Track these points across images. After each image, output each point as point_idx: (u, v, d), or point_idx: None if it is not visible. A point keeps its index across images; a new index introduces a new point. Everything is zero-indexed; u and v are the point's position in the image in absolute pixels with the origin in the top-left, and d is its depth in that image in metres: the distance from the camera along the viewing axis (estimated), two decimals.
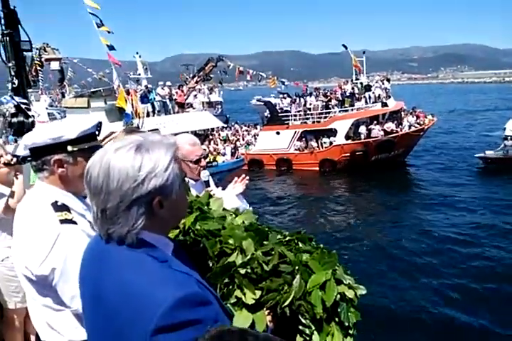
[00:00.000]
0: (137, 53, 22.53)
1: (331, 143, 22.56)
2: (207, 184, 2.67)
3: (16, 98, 5.39)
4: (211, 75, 24.54)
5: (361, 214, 16.28)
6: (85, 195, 1.21)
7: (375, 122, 22.76)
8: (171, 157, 1.12)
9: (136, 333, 0.99)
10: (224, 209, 1.91)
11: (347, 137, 22.49)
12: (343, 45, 24.27)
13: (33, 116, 4.72)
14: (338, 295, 1.57)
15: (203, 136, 21.03)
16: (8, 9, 5.00)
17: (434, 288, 9.69)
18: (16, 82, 5.41)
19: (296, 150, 22.98)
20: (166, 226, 1.22)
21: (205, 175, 2.67)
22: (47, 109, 18.79)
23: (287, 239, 1.76)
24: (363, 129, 22.60)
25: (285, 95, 24.41)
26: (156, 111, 19.70)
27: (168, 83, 21.38)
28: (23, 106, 5.39)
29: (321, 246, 1.81)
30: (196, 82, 23.35)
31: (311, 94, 24.18)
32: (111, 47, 15.13)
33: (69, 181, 1.72)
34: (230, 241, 1.58)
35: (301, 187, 20.78)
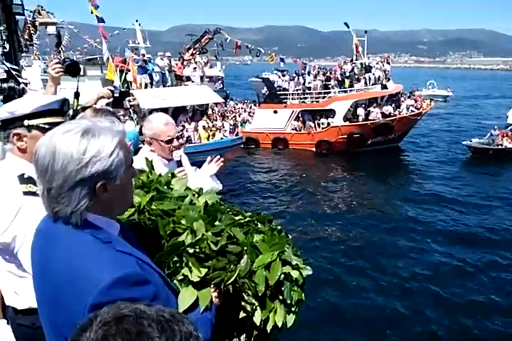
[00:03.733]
0: (137, 21, 21.99)
1: (328, 124, 22.49)
2: (179, 164, 2.73)
3: (7, 63, 5.34)
4: (207, 48, 23.95)
5: (351, 197, 16.47)
6: None
7: (374, 104, 22.67)
8: (117, 143, 1.17)
9: (77, 308, 1.07)
10: (187, 188, 1.99)
11: (345, 118, 22.42)
12: (345, 24, 23.78)
13: (25, 83, 4.68)
14: (283, 275, 1.68)
15: (201, 111, 20.84)
16: None
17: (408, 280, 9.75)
18: (7, 46, 5.33)
19: (293, 129, 22.88)
20: (112, 209, 1.26)
21: (177, 154, 2.72)
22: (41, 75, 18.54)
23: (247, 219, 1.86)
24: (361, 111, 22.54)
25: (285, 72, 24.11)
26: (154, 83, 19.44)
27: (168, 54, 21.00)
28: (14, 72, 5.35)
29: (278, 227, 1.92)
30: (192, 55, 22.85)
31: (309, 73, 23.91)
32: (100, 20, 14.85)
33: (31, 154, 1.79)
34: (183, 222, 1.65)
35: (295, 168, 20.83)
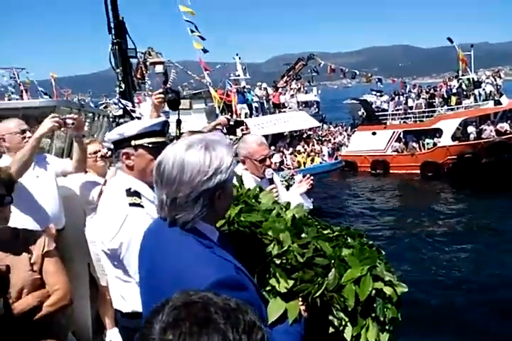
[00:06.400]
0: (237, 55, 23.40)
1: (434, 144, 21.16)
2: (271, 181, 2.80)
3: (123, 101, 6.04)
4: (302, 74, 24.44)
5: (461, 223, 14.84)
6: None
7: (488, 122, 20.83)
8: (232, 156, 1.30)
9: None
10: (275, 202, 2.04)
11: (453, 138, 20.91)
12: (449, 39, 22.54)
13: (138, 117, 5.24)
14: (374, 291, 1.61)
15: (298, 136, 21.17)
16: (118, 20, 5.54)
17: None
18: (123, 86, 5.98)
19: (394, 151, 21.93)
20: (217, 216, 1.40)
21: (269, 173, 2.81)
22: None
23: (336, 234, 1.84)
24: (472, 129, 20.85)
25: (383, 93, 23.48)
26: (253, 112, 20.33)
27: (264, 85, 21.92)
28: (129, 109, 6.03)
29: (370, 242, 1.86)
30: (285, 82, 23.49)
31: (410, 92, 22.94)
32: (205, 51, 16.20)
33: (138, 171, 2.01)
34: (269, 233, 1.70)
35: (397, 191, 19.75)
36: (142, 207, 1.90)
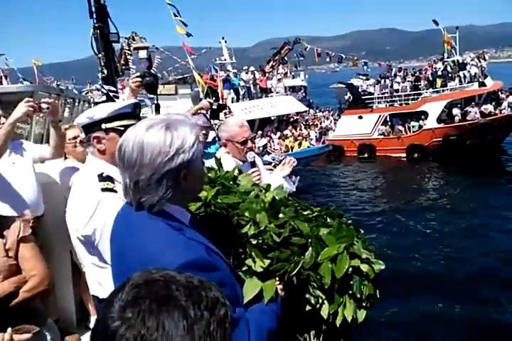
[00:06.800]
0: (223, 38, 23.04)
1: (420, 126, 21.28)
2: (252, 164, 2.77)
3: (105, 86, 5.91)
4: (289, 58, 24.32)
5: (447, 205, 15.00)
6: None
7: (472, 104, 20.98)
8: (196, 135, 1.25)
9: None
10: (254, 184, 2.03)
11: (439, 120, 21.04)
12: (434, 21, 22.48)
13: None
14: (351, 269, 1.62)
15: (286, 121, 21.10)
16: (99, 4, 5.37)
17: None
18: (106, 71, 5.84)
19: (380, 135, 21.99)
20: (185, 197, 1.36)
21: (251, 156, 2.77)
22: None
23: (315, 214, 1.84)
24: (457, 111, 21.00)
25: (368, 76, 23.43)
26: (240, 97, 20.14)
27: (252, 68, 21.68)
28: (112, 94, 5.91)
29: (348, 222, 1.86)
30: (272, 67, 23.32)
31: (395, 75, 22.95)
32: (188, 34, 16.01)
33: (110, 155, 1.96)
34: (246, 214, 1.69)
35: (384, 174, 19.86)
36: (115, 191, 1.86)
